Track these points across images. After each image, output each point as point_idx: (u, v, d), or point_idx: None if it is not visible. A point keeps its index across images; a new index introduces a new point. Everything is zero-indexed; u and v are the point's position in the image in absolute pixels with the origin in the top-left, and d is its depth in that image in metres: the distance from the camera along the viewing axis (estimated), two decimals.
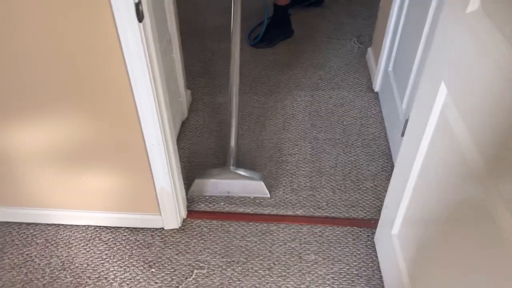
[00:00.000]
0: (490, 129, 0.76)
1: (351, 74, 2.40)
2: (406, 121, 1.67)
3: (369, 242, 1.58)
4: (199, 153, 1.94)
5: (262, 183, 1.74)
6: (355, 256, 1.54)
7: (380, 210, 1.60)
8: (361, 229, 1.63)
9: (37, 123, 1.32)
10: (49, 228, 1.62)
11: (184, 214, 1.66)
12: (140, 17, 1.09)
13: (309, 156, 1.93)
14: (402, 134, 1.71)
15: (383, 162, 1.89)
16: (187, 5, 2.98)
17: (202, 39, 2.68)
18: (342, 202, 1.73)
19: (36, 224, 1.63)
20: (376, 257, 1.53)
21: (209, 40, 2.67)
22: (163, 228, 1.62)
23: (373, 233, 1.61)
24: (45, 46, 1.15)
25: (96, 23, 1.10)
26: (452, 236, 0.91)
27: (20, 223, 1.63)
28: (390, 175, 1.80)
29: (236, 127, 1.81)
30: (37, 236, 1.59)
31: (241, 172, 1.76)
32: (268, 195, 1.75)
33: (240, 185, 1.75)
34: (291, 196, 1.76)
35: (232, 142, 1.80)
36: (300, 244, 1.58)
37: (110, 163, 1.44)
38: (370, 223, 1.65)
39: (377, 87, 2.25)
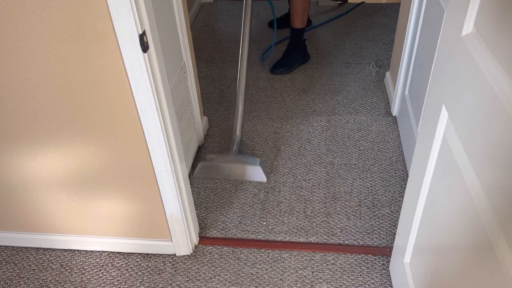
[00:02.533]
0: (487, 154, 0.73)
1: (369, 99, 2.37)
2: None
3: (384, 271, 1.53)
4: (214, 179, 1.95)
5: (260, 168, 1.89)
6: (368, 285, 1.49)
7: None
8: (376, 257, 1.58)
9: (52, 152, 1.38)
10: (65, 254, 1.65)
11: (196, 240, 1.66)
12: (144, 47, 1.13)
13: (324, 181, 1.90)
14: None
15: (400, 187, 1.84)
16: (205, 34, 3.06)
17: (221, 67, 2.73)
18: (357, 229, 1.69)
19: (53, 250, 1.67)
20: (391, 286, 1.47)
21: (227, 68, 2.72)
22: (174, 255, 1.62)
23: (389, 261, 1.55)
24: (56, 78, 1.20)
25: (103, 55, 1.15)
26: (460, 266, 0.87)
27: (38, 248, 1.67)
28: None
29: (241, 115, 1.99)
30: (53, 261, 1.63)
31: (241, 157, 1.94)
32: (265, 179, 1.89)
33: (239, 170, 1.91)
34: (305, 222, 1.73)
35: (237, 130, 1.99)
36: (312, 272, 1.55)
37: (122, 190, 1.47)
38: (385, 251, 1.59)
39: (395, 111, 2.22)
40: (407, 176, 1.88)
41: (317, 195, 1.84)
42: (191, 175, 1.96)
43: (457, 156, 0.86)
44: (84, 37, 1.12)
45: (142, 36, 1.11)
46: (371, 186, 1.86)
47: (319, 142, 2.12)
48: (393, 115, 2.24)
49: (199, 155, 2.08)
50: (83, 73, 1.19)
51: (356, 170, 1.95)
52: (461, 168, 0.85)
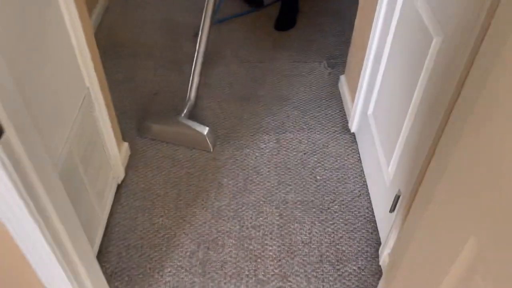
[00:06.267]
0: None
1: (322, 109, 2.03)
2: (397, 197, 1.33)
3: None
4: (137, 231, 1.53)
5: (205, 137, 1.77)
6: None
7: None
8: None
9: None
10: None
11: None
12: None
13: (276, 228, 1.56)
14: (391, 210, 1.37)
15: (367, 233, 1.55)
16: (125, 26, 2.51)
17: (145, 69, 2.23)
18: None
19: None
20: None
21: (153, 69, 2.23)
22: None
23: None
24: None
25: None
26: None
27: None
28: (377, 252, 1.47)
29: (198, 74, 1.86)
30: None
31: (189, 123, 1.81)
32: (211, 150, 1.79)
33: (184, 136, 1.80)
34: None
35: (192, 92, 1.88)
36: None
37: None
38: None
39: (353, 127, 1.90)
40: (373, 216, 1.59)
41: (270, 248, 1.50)
42: (111, 217, 1.53)
43: None
44: None
45: None
46: (332, 232, 1.55)
47: (268, 171, 1.76)
48: (352, 131, 1.92)
49: (118, 197, 1.64)
50: None
51: (314, 209, 1.62)
52: None
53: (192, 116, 1.90)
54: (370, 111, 1.70)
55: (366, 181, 1.72)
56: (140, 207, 1.61)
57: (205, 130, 1.78)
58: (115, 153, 1.59)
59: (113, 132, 1.55)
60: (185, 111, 1.86)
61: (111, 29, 2.44)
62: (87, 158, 1.34)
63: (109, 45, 2.33)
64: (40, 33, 1.04)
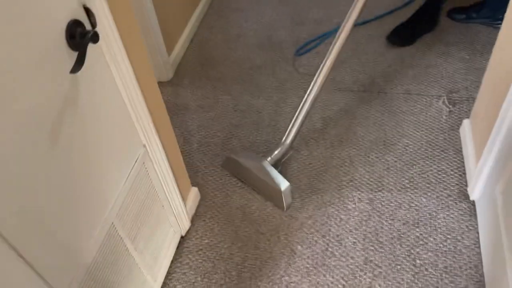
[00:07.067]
0: None
1: (435, 163, 1.62)
2: None
3: None
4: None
5: (281, 194, 1.50)
6: None
7: None
8: None
9: None
10: None
11: None
12: None
13: None
14: None
15: None
16: (218, 42, 2.32)
17: (230, 95, 2.03)
18: None
19: None
20: None
21: (239, 96, 2.01)
22: None
23: None
24: None
25: None
26: None
27: None
28: None
29: (304, 117, 1.58)
30: None
31: (270, 171, 1.53)
32: (284, 210, 1.53)
33: (261, 184, 1.57)
34: None
35: (289, 137, 1.59)
36: None
37: None
38: None
39: (474, 193, 1.47)
40: None
41: None
42: (167, 278, 1.38)
43: None
44: None
45: None
46: None
47: (354, 243, 1.44)
48: (471, 199, 1.49)
49: (181, 249, 1.47)
50: None
51: None
52: None
53: (277, 161, 1.63)
54: (500, 187, 1.26)
55: (484, 278, 1.30)
56: (200, 269, 1.43)
57: (283, 186, 1.51)
58: (179, 209, 1.42)
59: (178, 188, 1.37)
60: (272, 156, 1.57)
61: (202, 45, 2.29)
62: (137, 225, 1.18)
63: (197, 65, 2.18)
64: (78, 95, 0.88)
